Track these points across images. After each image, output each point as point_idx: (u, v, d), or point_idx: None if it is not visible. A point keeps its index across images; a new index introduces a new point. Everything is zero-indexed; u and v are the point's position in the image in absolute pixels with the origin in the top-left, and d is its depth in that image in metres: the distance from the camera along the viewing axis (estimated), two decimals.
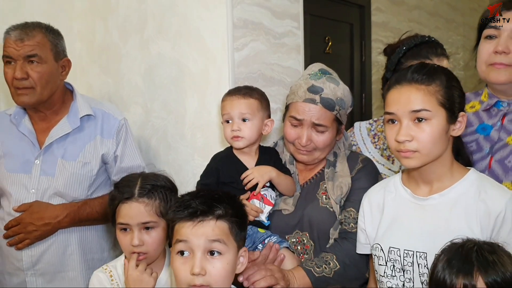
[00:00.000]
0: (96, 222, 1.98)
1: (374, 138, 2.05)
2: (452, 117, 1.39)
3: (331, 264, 1.62)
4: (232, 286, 1.38)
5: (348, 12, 3.57)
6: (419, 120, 1.36)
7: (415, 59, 1.83)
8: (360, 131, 2.10)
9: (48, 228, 1.87)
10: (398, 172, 1.90)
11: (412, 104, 1.36)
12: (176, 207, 1.33)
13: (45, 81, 1.88)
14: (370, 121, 2.12)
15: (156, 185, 1.60)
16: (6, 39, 1.87)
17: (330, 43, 3.35)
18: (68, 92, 2.05)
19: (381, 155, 2.00)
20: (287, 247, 1.71)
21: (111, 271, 1.63)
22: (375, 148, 2.03)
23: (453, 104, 1.39)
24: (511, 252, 1.24)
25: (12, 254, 1.91)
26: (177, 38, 2.18)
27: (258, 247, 1.67)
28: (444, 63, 1.88)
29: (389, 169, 1.96)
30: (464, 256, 1.21)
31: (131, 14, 2.35)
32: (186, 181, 2.15)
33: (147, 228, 1.56)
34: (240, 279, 1.50)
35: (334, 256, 1.64)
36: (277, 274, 1.55)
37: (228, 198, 1.36)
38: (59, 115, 1.99)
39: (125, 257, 1.61)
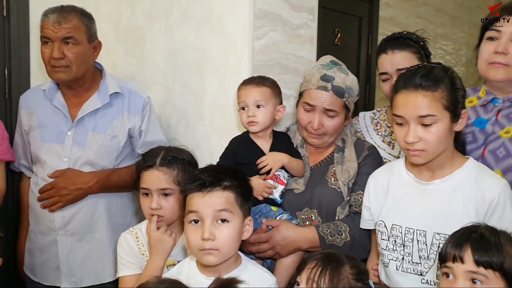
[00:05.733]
0: (122, 189, 2.15)
1: (376, 126, 2.23)
2: (455, 117, 1.49)
3: (343, 235, 1.78)
4: (239, 252, 1.54)
5: (357, 6, 3.71)
6: (426, 125, 1.45)
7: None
8: (364, 120, 2.28)
9: (80, 193, 2.03)
10: (398, 157, 2.09)
11: (419, 110, 1.44)
12: (187, 179, 1.49)
13: (80, 61, 2.03)
14: (374, 111, 2.32)
15: (176, 157, 1.76)
16: (44, 21, 2.01)
17: (339, 35, 3.50)
18: (98, 71, 2.20)
19: (382, 141, 2.18)
20: (296, 224, 1.87)
21: (137, 233, 1.79)
22: (377, 134, 2.21)
23: (456, 106, 1.49)
24: None
25: (45, 215, 2.07)
26: (200, 24, 2.32)
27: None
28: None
29: (390, 154, 2.14)
30: (464, 233, 1.28)
31: (157, 0, 2.50)
32: (204, 158, 2.27)
33: (165, 194, 1.72)
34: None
35: (348, 228, 1.79)
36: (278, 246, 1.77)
37: (233, 171, 1.50)
38: (90, 91, 2.14)
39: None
